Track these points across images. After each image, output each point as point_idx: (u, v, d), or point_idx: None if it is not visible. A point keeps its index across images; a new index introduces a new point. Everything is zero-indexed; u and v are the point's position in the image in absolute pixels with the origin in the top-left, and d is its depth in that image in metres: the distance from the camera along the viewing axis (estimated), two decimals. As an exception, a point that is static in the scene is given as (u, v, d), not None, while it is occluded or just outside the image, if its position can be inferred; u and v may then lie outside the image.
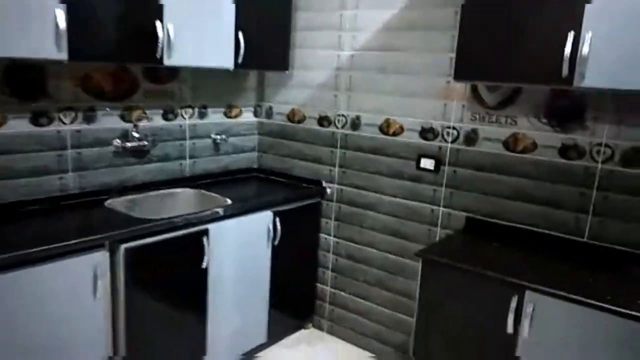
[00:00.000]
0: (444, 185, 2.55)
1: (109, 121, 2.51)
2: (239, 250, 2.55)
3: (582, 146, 2.14)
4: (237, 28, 2.59)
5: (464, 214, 2.49)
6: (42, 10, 1.85)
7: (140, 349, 2.16)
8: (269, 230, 2.68)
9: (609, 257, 2.09)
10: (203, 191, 2.79)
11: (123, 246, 2.02)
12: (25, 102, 2.20)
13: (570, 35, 1.78)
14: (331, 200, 3.00)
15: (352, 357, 2.93)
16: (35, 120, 2.25)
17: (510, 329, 1.89)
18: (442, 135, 2.52)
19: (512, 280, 1.88)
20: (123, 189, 2.57)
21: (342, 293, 3.03)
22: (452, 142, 2.49)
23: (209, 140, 3.02)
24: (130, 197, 2.56)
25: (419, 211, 2.65)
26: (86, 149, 2.44)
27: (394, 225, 2.75)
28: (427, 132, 2.57)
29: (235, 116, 3.15)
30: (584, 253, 2.14)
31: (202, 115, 2.96)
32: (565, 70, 1.80)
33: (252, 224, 2.61)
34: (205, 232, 2.34)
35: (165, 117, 2.77)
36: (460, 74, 2.09)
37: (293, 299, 3.00)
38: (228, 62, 2.61)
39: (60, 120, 2.33)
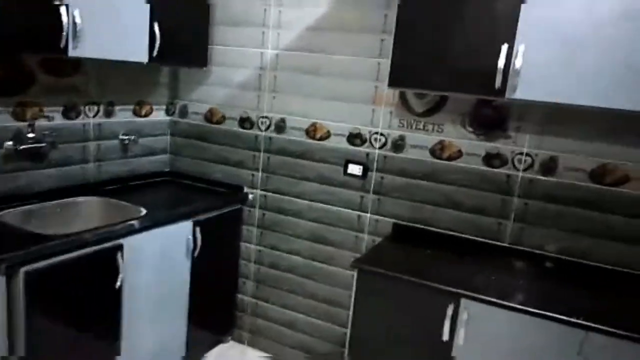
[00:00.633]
0: (371, 191, 2.53)
1: (-4, 120, 2.16)
2: (156, 265, 2.32)
3: (505, 154, 2.22)
4: (153, 18, 2.35)
5: (392, 220, 2.49)
6: None
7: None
8: (188, 242, 2.48)
9: (530, 261, 2.19)
10: (111, 199, 2.51)
11: (23, 269, 1.72)
12: None
13: (504, 48, 1.82)
14: (253, 207, 2.86)
15: (276, 369, 2.83)
16: None
17: (446, 336, 1.90)
18: (370, 141, 2.49)
19: (448, 289, 1.89)
20: (15, 199, 2.22)
21: (265, 303, 2.91)
22: (380, 148, 2.48)
23: (117, 142, 2.73)
24: (25, 208, 2.21)
25: (346, 218, 2.61)
26: (-32, 153, 2.07)
27: (321, 232, 2.68)
28: (354, 138, 2.53)
29: (146, 115, 2.88)
30: (506, 257, 2.23)
31: (108, 114, 2.66)
32: (498, 82, 1.84)
33: (170, 235, 2.39)
34: (119, 248, 2.10)
35: (66, 115, 2.44)
36: (394, 81, 2.07)
37: (213, 313, 2.82)
38: (142, 56, 2.36)
39: None
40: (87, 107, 2.54)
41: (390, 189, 2.48)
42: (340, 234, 2.63)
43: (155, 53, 2.39)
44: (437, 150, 2.35)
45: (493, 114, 2.22)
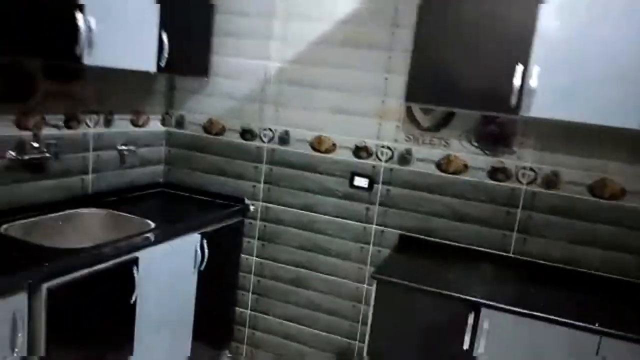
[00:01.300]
0: (377, 203, 2.58)
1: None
2: (166, 279, 2.27)
3: (510, 169, 2.34)
4: (161, 27, 2.32)
5: (397, 231, 2.55)
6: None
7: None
8: (196, 255, 2.44)
9: (535, 270, 2.30)
10: (113, 211, 2.44)
11: (45, 285, 1.65)
12: None
13: (520, 68, 1.93)
14: (254, 219, 2.85)
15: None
16: None
17: (466, 345, 1.97)
18: (377, 154, 2.55)
19: (469, 298, 1.96)
20: (17, 211, 2.12)
21: (265, 316, 2.89)
22: (386, 161, 2.54)
23: (115, 152, 2.66)
24: (28, 221, 2.12)
25: (351, 229, 2.64)
26: (-28, 163, 1.97)
27: (324, 244, 2.71)
28: (361, 151, 2.58)
29: (143, 124, 2.82)
30: (513, 267, 2.33)
31: (108, 123, 2.59)
32: (513, 101, 1.95)
33: (179, 248, 2.35)
34: (135, 262, 2.04)
35: (67, 125, 2.36)
36: (411, 96, 2.14)
37: (213, 327, 2.77)
38: (150, 65, 2.33)
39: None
40: (87, 116, 2.46)
41: (397, 201, 2.54)
42: (344, 245, 2.67)
43: (163, 63, 2.35)
44: (443, 164, 2.44)
45: (498, 130, 2.34)
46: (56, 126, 2.30)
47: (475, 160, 2.39)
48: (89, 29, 1.93)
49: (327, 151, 2.65)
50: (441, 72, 2.08)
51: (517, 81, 1.93)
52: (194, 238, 2.43)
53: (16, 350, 1.57)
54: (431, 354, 2.06)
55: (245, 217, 2.86)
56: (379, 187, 2.56)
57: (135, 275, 2.03)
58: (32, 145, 2.15)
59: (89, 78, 2.43)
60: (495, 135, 2.34)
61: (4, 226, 1.99)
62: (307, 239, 2.74)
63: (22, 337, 1.58)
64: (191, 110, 2.90)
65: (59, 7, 1.85)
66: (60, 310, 1.72)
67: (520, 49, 1.93)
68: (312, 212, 2.71)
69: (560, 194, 2.27)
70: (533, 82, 1.91)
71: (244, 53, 2.73)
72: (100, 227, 2.36)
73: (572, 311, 1.90)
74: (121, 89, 2.63)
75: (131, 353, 2.10)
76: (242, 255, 2.90)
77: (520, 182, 2.33)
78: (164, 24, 2.32)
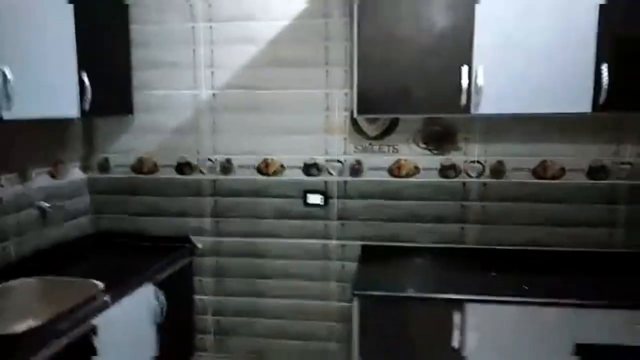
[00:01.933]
0: (335, 218, 2.54)
1: None
2: (126, 342, 2.03)
3: (458, 165, 2.42)
4: (80, 67, 2.09)
5: (359, 242, 2.53)
6: None
7: None
8: (153, 307, 2.21)
9: (497, 257, 2.40)
10: (48, 277, 2.13)
11: (5, 383, 1.38)
12: None
13: (465, 69, 2.00)
14: (204, 256, 2.67)
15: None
16: None
17: (456, 342, 1.99)
18: (328, 170, 2.51)
19: (452, 297, 1.99)
20: None
21: (231, 355, 2.71)
22: (338, 174, 2.51)
23: (36, 210, 2.33)
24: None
25: (312, 248, 2.58)
26: None
27: (286, 268, 2.61)
28: (311, 168, 2.52)
29: (62, 175, 2.52)
30: (475, 258, 2.41)
31: (24, 179, 2.27)
32: (463, 100, 2.02)
33: (136, 304, 2.12)
34: (94, 331, 1.80)
35: (-22, 188, 2.03)
36: (362, 109, 2.12)
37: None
38: (73, 110, 2.09)
39: None
40: (2, 176, 2.14)
41: (354, 213, 2.52)
42: (306, 266, 2.59)
43: (87, 106, 2.11)
44: (394, 170, 2.46)
45: (442, 130, 2.41)
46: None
47: (425, 161, 2.44)
48: (4, 79, 1.67)
49: (276, 173, 2.56)
50: (389, 82, 2.09)
51: (464, 82, 2.00)
52: (148, 289, 2.21)
53: None
54: (422, 358, 2.05)
55: (194, 255, 2.67)
56: (335, 202, 2.53)
57: (97, 346, 1.78)
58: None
59: (1, 133, 2.11)
60: (440, 134, 2.42)
61: None
62: (266, 266, 2.62)
63: None
64: (116, 152, 2.65)
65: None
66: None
67: (462, 50, 2.01)
68: (268, 237, 2.60)
69: (508, 181, 2.39)
70: (480, 80, 1.99)
71: (170, 84, 2.55)
72: (38, 299, 2.05)
73: (547, 290, 2.01)
74: (35, 140, 2.33)
75: None
76: (197, 297, 2.70)
77: (470, 176, 2.42)
78: (82, 63, 2.09)
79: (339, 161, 2.50)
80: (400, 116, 2.35)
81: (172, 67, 2.54)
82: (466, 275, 2.23)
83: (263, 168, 2.56)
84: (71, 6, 2.03)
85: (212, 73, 2.52)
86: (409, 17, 2.04)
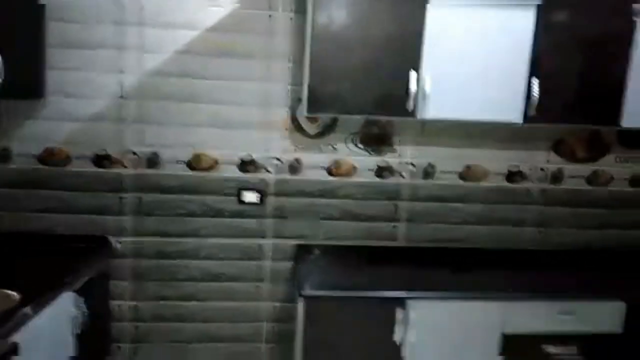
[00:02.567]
0: (270, 216, 2.48)
1: None
2: (47, 355, 1.79)
3: (393, 166, 2.50)
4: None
5: (294, 241, 2.50)
6: None
7: None
8: (73, 317, 1.97)
9: (427, 255, 2.53)
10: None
11: None
12: None
13: (414, 75, 2.06)
14: (124, 257, 2.44)
15: None
16: None
17: (397, 338, 2.06)
18: (265, 167, 2.44)
19: (394, 294, 2.06)
20: None
21: (154, 364, 2.53)
22: (276, 172, 2.45)
23: None
24: None
25: (244, 248, 2.49)
26: None
27: (217, 269, 2.49)
28: (247, 165, 2.43)
29: (-50, 165, 2.14)
30: (406, 256, 2.51)
31: None
32: (410, 105, 2.08)
33: (55, 316, 1.86)
34: (14, 350, 1.55)
35: None
36: (313, 108, 2.09)
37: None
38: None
39: None
40: None
41: (290, 211, 2.48)
42: (239, 266, 2.50)
43: (-4, 85, 1.81)
44: (332, 169, 2.47)
45: (380, 132, 2.47)
46: None
47: (362, 161, 2.48)
48: None
49: (209, 169, 2.42)
50: (341, 82, 2.08)
51: (413, 86, 2.06)
52: (68, 298, 1.96)
53: None
54: (363, 353, 2.09)
55: (111, 257, 2.43)
56: (271, 200, 2.46)
57: (23, 366, 1.55)
58: None
59: None
60: (377, 136, 2.47)
61: None
62: (195, 267, 2.48)
63: None
64: (22, 139, 2.31)
65: None
66: None
67: (411, 57, 2.06)
68: (197, 237, 2.46)
69: (437, 183, 2.53)
70: (427, 87, 2.07)
71: (91, 66, 2.28)
72: None
73: (478, 284, 2.17)
74: None
75: None
76: (115, 302, 2.46)
77: (403, 177, 2.51)
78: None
79: (277, 158, 2.44)
80: (348, 117, 2.35)
81: (95, 47, 2.27)
82: (402, 273, 2.32)
83: (194, 163, 2.41)
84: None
85: (141, 57, 2.31)
86: (362, 19, 2.05)
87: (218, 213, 2.45)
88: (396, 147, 2.49)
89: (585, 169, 2.58)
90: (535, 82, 2.09)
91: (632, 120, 2.16)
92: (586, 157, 2.57)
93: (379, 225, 2.53)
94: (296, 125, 2.43)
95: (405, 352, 2.08)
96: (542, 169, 2.56)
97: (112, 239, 2.42)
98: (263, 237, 2.49)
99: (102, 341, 2.43)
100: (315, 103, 2.09)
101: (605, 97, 2.16)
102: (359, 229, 2.52)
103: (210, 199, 2.44)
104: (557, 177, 2.58)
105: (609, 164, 2.59)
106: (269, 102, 2.39)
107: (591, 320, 2.15)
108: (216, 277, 2.50)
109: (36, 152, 2.33)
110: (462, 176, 2.54)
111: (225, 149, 2.41)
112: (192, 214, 2.44)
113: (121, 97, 2.32)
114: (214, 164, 2.42)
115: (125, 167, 2.38)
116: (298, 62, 2.33)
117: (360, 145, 2.47)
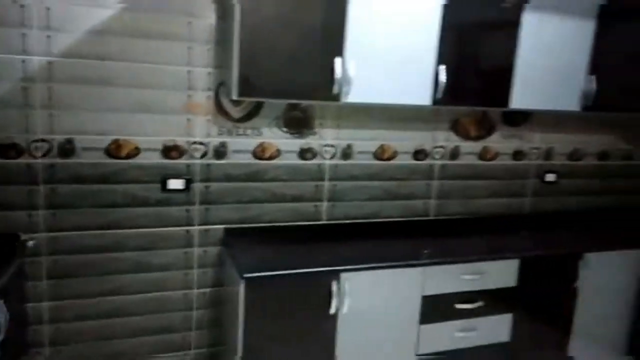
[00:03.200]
0: (197, 202, 2.46)
1: None
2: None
3: (315, 148, 2.62)
4: None
5: (222, 226, 2.52)
6: None
7: None
8: (-1, 322, 1.81)
9: (349, 230, 2.70)
10: None
11: None
12: None
13: (339, 60, 2.19)
14: (37, 255, 2.26)
15: None
16: None
17: (333, 309, 2.21)
18: (190, 152, 2.41)
19: (330, 268, 2.21)
20: None
21: (78, 364, 2.39)
22: (201, 157, 2.43)
23: None
24: None
25: (172, 235, 2.45)
26: None
27: (142, 259, 2.42)
28: (171, 151, 2.38)
29: None
30: (331, 232, 2.67)
31: None
32: (336, 90, 2.21)
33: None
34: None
35: None
36: (243, 92, 2.11)
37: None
38: None
39: None
40: None
41: (218, 196, 2.49)
42: (167, 255, 2.45)
43: None
44: (258, 152, 2.52)
45: (301, 115, 2.57)
46: None
47: (286, 144, 2.56)
48: None
49: (129, 156, 2.32)
50: (270, 67, 2.12)
51: (338, 72, 2.18)
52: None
53: None
54: (304, 330, 2.21)
55: (24, 256, 2.23)
56: (197, 186, 2.44)
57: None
58: None
59: None
60: (299, 119, 2.57)
61: None
62: (120, 260, 2.38)
63: None
64: None
65: None
66: None
67: (336, 43, 2.18)
68: (119, 229, 2.36)
69: (354, 163, 2.70)
70: (351, 72, 2.21)
71: (-12, 46, 2.05)
72: None
73: (400, 254, 2.40)
74: None
75: None
76: (30, 304, 2.28)
77: (324, 158, 2.65)
78: None
79: (201, 143, 2.42)
80: (273, 101, 2.40)
81: (-8, 24, 2.04)
82: (330, 249, 2.47)
83: (113, 150, 2.30)
84: None
85: (48, 36, 2.12)
86: (289, 4, 2.11)
87: (141, 202, 2.37)
88: (317, 130, 2.61)
89: (478, 145, 2.94)
90: (442, 69, 2.34)
91: (519, 102, 2.52)
92: (478, 136, 2.93)
93: (304, 205, 2.65)
94: (220, 110, 2.43)
95: (339, 322, 2.24)
96: (442, 147, 2.87)
97: (24, 236, 2.22)
98: (190, 224, 2.47)
99: (20, 347, 2.24)
100: (246, 87, 2.11)
101: (498, 81, 2.49)
102: (284, 210, 2.62)
103: (131, 187, 2.35)
104: (454, 153, 2.90)
105: (495, 141, 2.97)
106: (192, 85, 2.35)
107: (491, 279, 2.49)
108: (144, 268, 2.43)
109: None
110: (376, 156, 2.74)
111: (147, 135, 2.33)
112: (113, 205, 2.33)
113: (25, 79, 2.12)
114: (135, 151, 2.32)
115: (35, 157, 2.19)
116: (221, 45, 2.32)
117: (284, 129, 2.55)
